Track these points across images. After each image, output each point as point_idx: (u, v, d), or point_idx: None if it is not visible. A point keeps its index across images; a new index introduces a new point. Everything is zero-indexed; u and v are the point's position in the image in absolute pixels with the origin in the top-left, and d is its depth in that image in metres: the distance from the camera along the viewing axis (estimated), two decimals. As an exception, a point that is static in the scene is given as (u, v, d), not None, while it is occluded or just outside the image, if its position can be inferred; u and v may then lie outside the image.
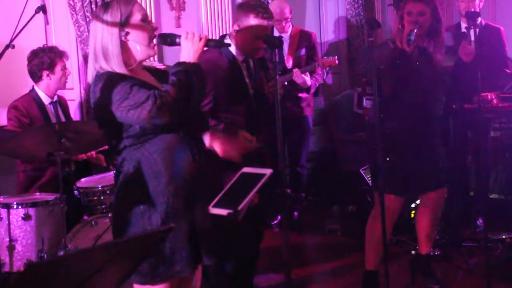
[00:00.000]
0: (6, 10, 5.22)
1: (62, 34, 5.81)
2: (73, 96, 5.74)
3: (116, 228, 2.98)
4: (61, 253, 4.10)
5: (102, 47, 2.85)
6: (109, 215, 4.22)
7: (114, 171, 3.14)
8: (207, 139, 3.04)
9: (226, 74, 3.91)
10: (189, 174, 2.91)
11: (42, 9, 4.03)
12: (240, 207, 2.59)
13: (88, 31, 5.34)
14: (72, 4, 5.65)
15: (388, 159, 4.03)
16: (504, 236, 5.12)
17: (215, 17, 6.83)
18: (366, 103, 6.12)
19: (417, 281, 4.43)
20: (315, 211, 6.60)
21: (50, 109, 4.89)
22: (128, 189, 2.88)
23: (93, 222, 4.33)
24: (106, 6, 2.91)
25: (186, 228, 2.87)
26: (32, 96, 4.85)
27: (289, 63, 5.96)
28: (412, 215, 5.20)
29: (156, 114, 2.75)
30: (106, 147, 4.36)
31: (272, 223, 5.99)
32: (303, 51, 6.00)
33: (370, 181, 4.22)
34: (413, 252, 4.73)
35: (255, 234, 4.19)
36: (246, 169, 2.79)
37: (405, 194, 4.26)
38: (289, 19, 6.01)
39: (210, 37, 4.14)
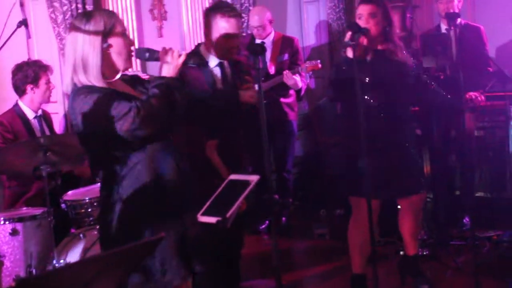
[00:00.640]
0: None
1: (44, 47, 5.82)
2: (57, 109, 5.73)
3: (104, 240, 2.97)
4: (50, 267, 4.08)
5: (82, 58, 2.84)
6: (97, 227, 4.21)
7: (100, 183, 3.14)
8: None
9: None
10: (174, 182, 2.92)
11: (24, 23, 4.03)
12: (228, 214, 2.61)
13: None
14: (54, 17, 5.66)
15: (358, 163, 3.95)
16: (491, 234, 5.16)
17: (196, 26, 6.85)
18: (350, 106, 6.14)
19: (407, 281, 4.45)
20: (302, 215, 6.61)
21: (35, 124, 4.88)
22: (114, 201, 2.89)
23: (81, 235, 4.32)
24: (87, 17, 2.89)
25: (175, 237, 2.87)
26: (16, 111, 4.83)
27: (272, 69, 5.98)
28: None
29: (138, 125, 2.75)
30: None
31: (260, 229, 6.00)
32: (286, 56, 6.01)
33: (347, 186, 4.19)
34: (401, 253, 4.75)
35: (236, 240, 4.18)
36: (233, 176, 2.81)
37: (377, 198, 4.19)
38: (270, 25, 6.03)
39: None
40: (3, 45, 3.88)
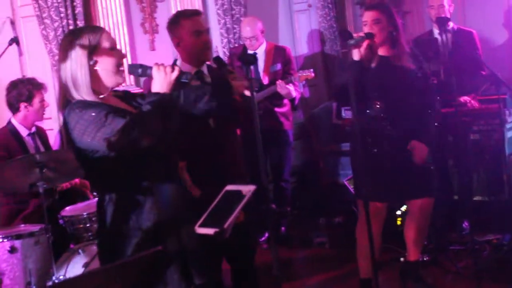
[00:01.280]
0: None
1: (37, 64, 5.82)
2: (52, 125, 5.72)
3: (103, 255, 2.96)
4: (50, 283, 4.07)
5: (71, 76, 2.84)
6: (96, 242, 4.20)
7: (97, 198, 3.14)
8: None
9: None
10: (171, 195, 2.91)
11: (15, 40, 4.05)
12: (225, 225, 2.60)
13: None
14: (45, 34, 5.66)
15: (368, 166, 3.99)
16: (490, 238, 5.16)
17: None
18: (345, 114, 6.14)
19: (408, 287, 4.44)
20: (301, 224, 6.60)
21: (29, 141, 4.87)
22: (112, 216, 2.87)
23: (80, 250, 4.32)
24: (73, 35, 2.91)
25: (174, 250, 2.86)
26: (9, 129, 4.83)
27: (265, 79, 5.98)
28: (399, 222, 5.22)
29: (132, 140, 2.74)
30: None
31: (260, 240, 5.98)
32: (278, 66, 6.01)
33: (353, 190, 4.21)
34: (402, 259, 4.74)
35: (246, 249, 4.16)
36: (229, 187, 2.80)
37: (387, 200, 4.22)
38: (262, 36, 6.04)
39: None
40: (-4, 63, 3.88)
